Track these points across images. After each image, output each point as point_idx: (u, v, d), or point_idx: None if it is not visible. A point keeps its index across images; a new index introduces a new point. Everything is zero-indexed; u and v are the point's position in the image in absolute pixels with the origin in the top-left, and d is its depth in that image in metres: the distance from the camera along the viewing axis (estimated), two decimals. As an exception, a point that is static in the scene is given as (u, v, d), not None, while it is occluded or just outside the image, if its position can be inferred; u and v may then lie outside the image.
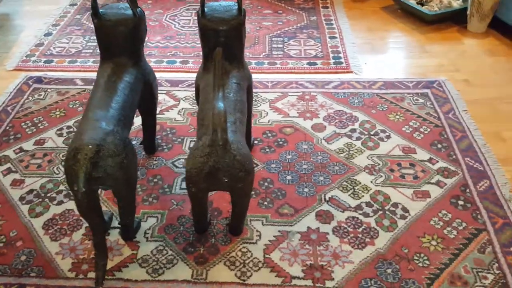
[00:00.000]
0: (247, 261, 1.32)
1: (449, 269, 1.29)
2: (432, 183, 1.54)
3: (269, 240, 1.37)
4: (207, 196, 1.26)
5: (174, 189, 1.53)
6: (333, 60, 2.13)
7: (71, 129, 1.78)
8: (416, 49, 2.24)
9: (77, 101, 1.93)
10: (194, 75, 2.01)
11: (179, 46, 2.29)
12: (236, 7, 1.33)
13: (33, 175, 1.60)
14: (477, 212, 1.44)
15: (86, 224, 1.42)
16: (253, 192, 1.50)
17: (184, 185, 1.54)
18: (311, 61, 2.12)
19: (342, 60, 2.13)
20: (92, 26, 2.05)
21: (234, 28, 1.31)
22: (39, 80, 2.07)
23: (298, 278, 1.27)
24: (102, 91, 1.28)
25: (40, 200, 1.51)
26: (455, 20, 2.42)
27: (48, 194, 1.53)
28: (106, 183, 1.13)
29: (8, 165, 1.64)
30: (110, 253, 1.33)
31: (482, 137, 1.72)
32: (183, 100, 1.92)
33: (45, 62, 2.19)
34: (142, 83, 1.41)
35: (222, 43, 1.31)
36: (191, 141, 1.71)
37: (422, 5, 2.43)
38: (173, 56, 2.21)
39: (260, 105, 1.88)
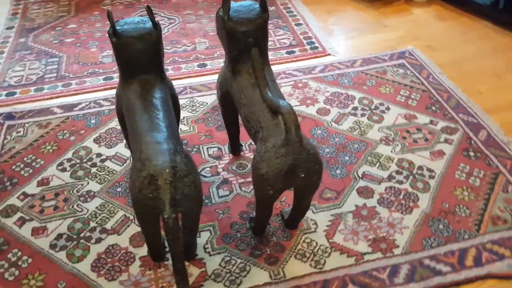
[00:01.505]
0: (315, 250, 1.36)
1: (487, 212, 1.44)
2: (441, 142, 1.69)
3: (326, 226, 1.42)
4: None
5: (214, 198, 1.51)
6: (309, 46, 2.21)
7: (73, 162, 1.66)
8: (376, 25, 2.40)
9: (65, 131, 1.80)
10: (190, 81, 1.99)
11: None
12: (257, 5, 1.34)
13: (53, 218, 1.47)
14: (488, 159, 1.61)
15: (140, 255, 1.36)
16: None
17: (222, 192, 1.53)
18: (289, 50, 2.18)
19: (317, 44, 2.22)
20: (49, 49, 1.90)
21: (261, 27, 1.32)
22: (9, 116, 1.89)
23: (368, 253, 1.34)
24: (145, 112, 1.22)
25: (75, 243, 1.40)
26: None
27: (81, 235, 1.42)
28: (183, 204, 1.10)
29: (19, 214, 1.49)
30: (180, 275, 1.30)
31: (464, 94, 1.90)
32: (182, 109, 1.88)
33: (7, 95, 2.00)
34: (171, 96, 1.37)
35: (252, 44, 1.32)
36: (207, 148, 1.69)
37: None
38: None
39: (257, 100, 1.90)
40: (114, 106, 1.90)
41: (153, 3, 2.69)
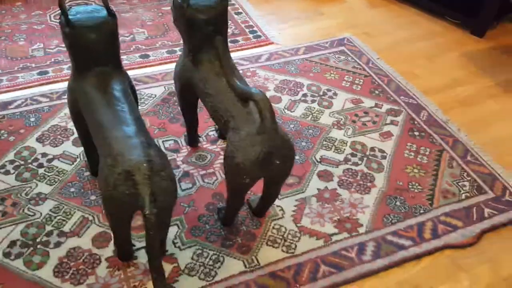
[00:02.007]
0: (285, 235, 1.37)
1: (437, 187, 1.54)
2: (388, 124, 1.78)
3: (293, 211, 1.44)
4: None
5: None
6: (251, 35, 2.20)
7: (16, 163, 1.53)
8: (313, 13, 2.45)
9: (3, 131, 1.65)
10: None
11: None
12: None
13: (3, 225, 1.36)
14: (431, 137, 1.73)
15: (106, 256, 1.29)
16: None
17: (184, 185, 1.49)
18: (232, 39, 2.16)
19: (259, 33, 2.22)
20: None
21: (222, 13, 1.29)
22: None
23: (335, 234, 1.39)
24: (108, 106, 1.15)
25: (32, 249, 1.30)
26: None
27: (38, 240, 1.32)
28: (160, 199, 1.06)
29: (-41, 223, 1.36)
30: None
31: (402, 77, 2.02)
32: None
33: None
34: (130, 88, 1.30)
35: (213, 32, 1.29)
36: (163, 141, 1.64)
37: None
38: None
39: (207, 90, 1.87)
40: (53, 103, 1.78)
41: (81, -9, 2.53)
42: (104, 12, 1.22)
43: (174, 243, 1.33)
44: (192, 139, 1.62)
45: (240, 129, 1.16)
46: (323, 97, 1.88)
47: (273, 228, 1.39)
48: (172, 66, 1.99)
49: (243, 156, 1.13)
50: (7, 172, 1.51)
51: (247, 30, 2.23)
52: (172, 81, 1.91)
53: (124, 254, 1.27)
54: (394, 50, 2.20)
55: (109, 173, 1.03)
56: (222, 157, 1.60)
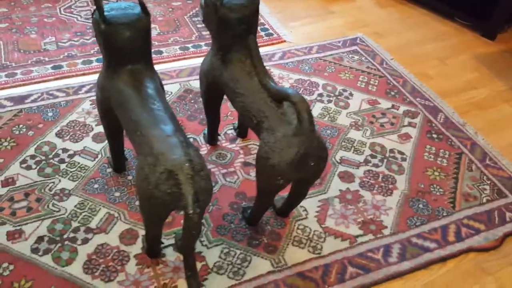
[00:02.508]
0: (310, 236, 1.37)
1: (458, 190, 1.55)
2: (406, 126, 1.78)
3: (316, 212, 1.44)
4: None
5: (199, 191, 1.45)
6: (263, 33, 2.19)
7: (37, 158, 1.50)
8: (323, 11, 2.44)
9: (21, 125, 1.61)
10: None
11: (96, 42, 2.05)
12: None
13: (29, 221, 1.33)
14: (450, 140, 1.73)
15: (134, 253, 1.27)
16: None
17: (206, 184, 1.47)
18: (246, 36, 2.14)
19: (271, 31, 2.20)
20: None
21: (254, 12, 1.28)
22: None
23: (360, 235, 1.38)
24: (144, 104, 1.13)
25: (60, 245, 1.28)
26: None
27: (65, 236, 1.30)
28: (201, 198, 1.04)
29: (-14, 219, 1.32)
30: (181, 272, 1.24)
31: (417, 79, 2.02)
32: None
33: None
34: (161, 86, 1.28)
35: (244, 31, 1.27)
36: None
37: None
38: (101, 54, 1.97)
39: (223, 88, 1.85)
40: (70, 98, 1.75)
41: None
42: (137, 9, 1.20)
43: (201, 241, 1.32)
44: (212, 138, 1.60)
45: (276, 130, 1.14)
46: (339, 97, 1.87)
47: (298, 228, 1.38)
48: (186, 63, 1.97)
49: (279, 157, 1.11)
50: (29, 167, 1.48)
51: (258, 28, 2.21)
52: (188, 78, 1.89)
53: (154, 251, 1.26)
54: (405, 51, 2.20)
55: (150, 172, 1.01)
56: (242, 156, 1.59)
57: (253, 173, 1.53)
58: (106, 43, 1.17)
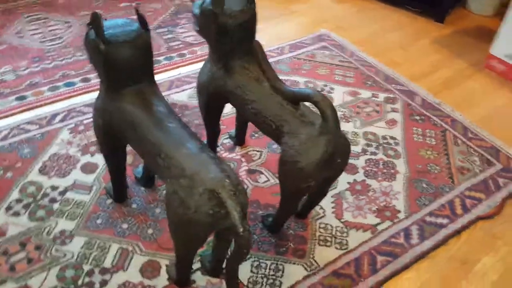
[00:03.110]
0: (333, 233, 1.38)
1: (452, 165, 1.63)
2: (390, 112, 1.85)
3: (332, 208, 1.45)
4: None
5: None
6: (233, 38, 2.18)
7: (25, 202, 1.37)
8: (285, 11, 2.47)
9: None
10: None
11: (66, 63, 1.94)
12: None
13: (33, 273, 1.21)
14: (431, 119, 1.82)
15: (161, 285, 1.21)
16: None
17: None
18: (217, 44, 2.12)
19: (241, 36, 2.20)
20: None
21: (253, 17, 1.27)
22: None
23: (379, 224, 1.42)
24: (159, 125, 1.08)
25: (77, 292, 1.19)
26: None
27: (79, 282, 1.20)
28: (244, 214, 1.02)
29: (-18, 278, 1.20)
30: (220, 291, 1.20)
31: (387, 67, 2.10)
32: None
33: None
34: (165, 105, 1.23)
35: (244, 36, 1.26)
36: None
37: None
38: (68, 77, 1.87)
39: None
40: (45, 129, 1.64)
41: (37, 7, 2.34)
42: (135, 25, 1.14)
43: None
44: (212, 148, 1.57)
45: (298, 133, 1.14)
46: (322, 92, 1.91)
47: (320, 227, 1.39)
48: (161, 77, 1.91)
49: (307, 159, 1.11)
50: (16, 214, 1.36)
51: (227, 34, 2.20)
52: (168, 92, 1.84)
53: (185, 279, 1.21)
54: (369, 42, 2.28)
55: (187, 195, 0.97)
56: (245, 164, 1.57)
57: (261, 179, 1.52)
58: (106, 64, 1.10)
